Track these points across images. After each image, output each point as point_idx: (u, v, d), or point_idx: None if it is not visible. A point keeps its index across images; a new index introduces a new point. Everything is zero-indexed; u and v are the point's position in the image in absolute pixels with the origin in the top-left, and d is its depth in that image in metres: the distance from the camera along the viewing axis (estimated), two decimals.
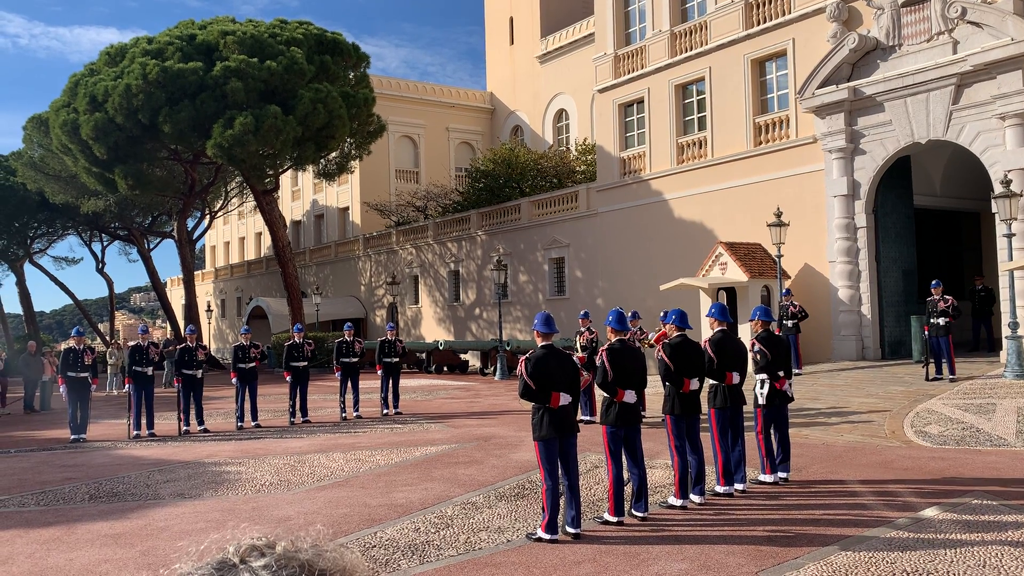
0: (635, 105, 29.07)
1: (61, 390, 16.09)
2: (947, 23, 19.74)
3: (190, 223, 46.04)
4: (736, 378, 9.26)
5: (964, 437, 11.92)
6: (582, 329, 15.89)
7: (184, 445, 14.85)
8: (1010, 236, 16.80)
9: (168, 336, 45.58)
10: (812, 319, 21.29)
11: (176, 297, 57.36)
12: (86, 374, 16.10)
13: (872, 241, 21.76)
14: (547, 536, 7.42)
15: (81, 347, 16.23)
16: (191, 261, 44.52)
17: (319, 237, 50.58)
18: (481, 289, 36.25)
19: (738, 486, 9.12)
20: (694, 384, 8.84)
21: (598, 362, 8.32)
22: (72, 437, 15.86)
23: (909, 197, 22.63)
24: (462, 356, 32.81)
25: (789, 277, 22.57)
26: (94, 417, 17.99)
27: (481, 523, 8.25)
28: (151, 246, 51.77)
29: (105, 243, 54.55)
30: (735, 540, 7.31)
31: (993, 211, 17.95)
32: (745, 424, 9.63)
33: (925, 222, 23.81)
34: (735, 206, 24.92)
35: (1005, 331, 17.15)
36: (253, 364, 17.24)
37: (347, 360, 18.05)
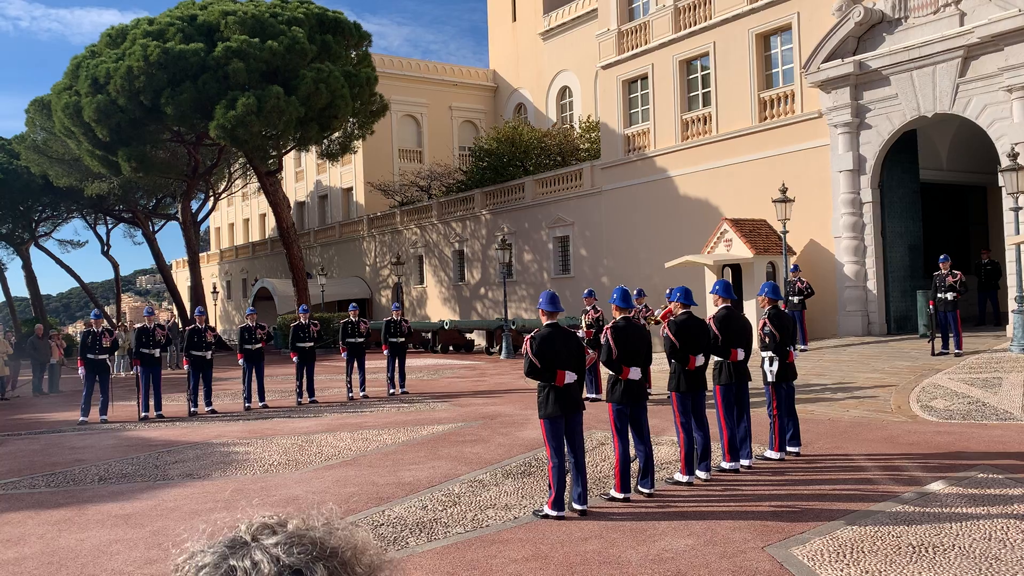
0: (639, 81, 28.89)
1: (80, 372, 16.19)
2: None
3: (194, 205, 46.03)
4: (741, 355, 9.28)
5: (970, 411, 11.94)
6: (587, 308, 15.89)
7: (192, 426, 14.94)
8: (1017, 210, 16.72)
9: (174, 319, 45.73)
10: (818, 295, 21.26)
11: (182, 279, 57.49)
12: (104, 356, 16.24)
13: (878, 216, 21.67)
14: (554, 513, 7.47)
15: (99, 329, 16.37)
16: (196, 243, 44.56)
17: (323, 218, 50.55)
18: (486, 268, 36.24)
19: (744, 462, 9.15)
20: (699, 361, 8.85)
21: (602, 340, 8.33)
22: (80, 419, 15.96)
23: (915, 171, 22.50)
24: (467, 335, 32.88)
25: (794, 253, 22.51)
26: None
27: (488, 501, 8.30)
28: (156, 228, 51.80)
29: (110, 226, 54.59)
30: (741, 516, 7.35)
31: (1000, 185, 17.85)
32: (751, 401, 9.66)
33: (931, 196, 23.68)
34: (740, 182, 24.82)
35: (1012, 305, 17.11)
36: (259, 345, 17.30)
37: (353, 340, 18.10)
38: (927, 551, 6.15)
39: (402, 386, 18.42)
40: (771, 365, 9.61)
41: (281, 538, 1.07)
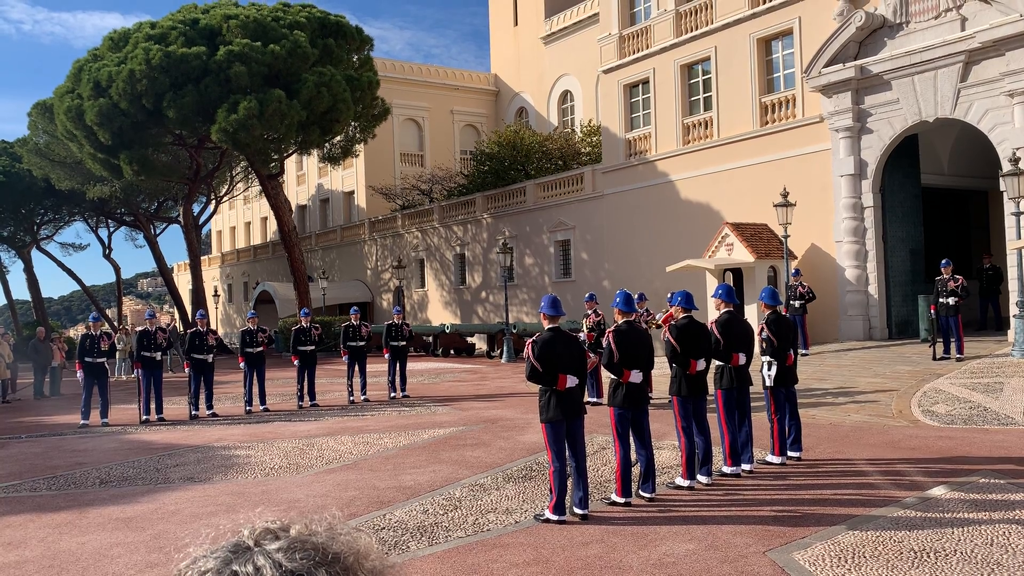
0: (640, 86, 28.91)
1: (78, 375, 16.18)
2: (955, 0, 19.55)
3: (196, 208, 46.05)
4: (742, 359, 9.27)
5: (971, 416, 11.92)
6: (588, 312, 15.87)
7: (193, 429, 14.94)
8: (1018, 214, 16.68)
9: (175, 322, 45.74)
10: (819, 299, 21.24)
11: (183, 282, 57.49)
12: (102, 359, 16.22)
13: (879, 221, 21.67)
14: (555, 517, 7.46)
15: (98, 333, 16.35)
16: (197, 246, 44.59)
17: (324, 221, 50.58)
18: (487, 272, 36.24)
19: (745, 466, 9.14)
20: (700, 365, 8.84)
21: (604, 344, 8.33)
22: (81, 422, 15.96)
23: (916, 176, 22.51)
24: (468, 339, 32.87)
25: (796, 257, 22.51)
26: None
27: (489, 505, 8.29)
28: (157, 231, 51.85)
29: (112, 229, 54.66)
30: (742, 520, 7.34)
31: (1001, 189, 17.84)
32: (752, 405, 9.65)
33: (932, 201, 23.68)
34: (741, 187, 24.83)
35: (1013, 310, 17.09)
36: (260, 348, 17.31)
37: (354, 344, 18.10)
38: (929, 556, 6.14)
39: (403, 390, 18.41)
40: (769, 370, 9.61)
41: (283, 543, 1.07)
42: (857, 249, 21.73)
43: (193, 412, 16.47)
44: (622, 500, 7.97)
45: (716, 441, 9.31)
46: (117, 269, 56.92)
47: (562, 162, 37.67)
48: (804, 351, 19.90)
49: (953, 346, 17.10)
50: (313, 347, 17.82)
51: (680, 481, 8.65)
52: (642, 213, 28.50)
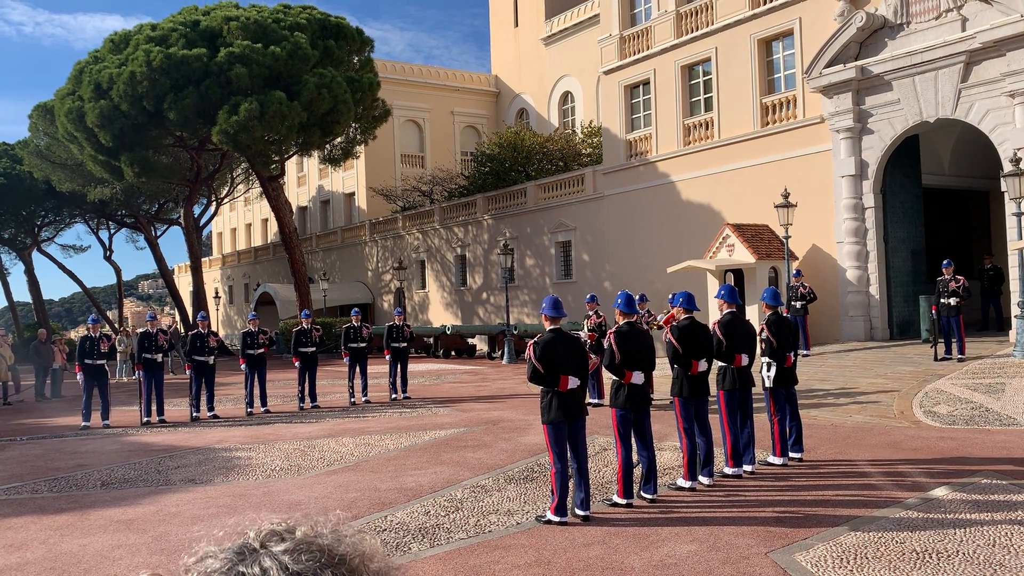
0: (641, 87, 28.92)
1: (78, 377, 16.18)
2: (956, 0, 19.55)
3: (196, 210, 46.09)
4: (745, 360, 9.27)
5: (973, 417, 11.91)
6: (589, 313, 15.86)
7: (194, 431, 14.94)
8: (1019, 215, 16.68)
9: (176, 324, 45.76)
10: (820, 300, 21.24)
11: (184, 284, 57.51)
12: (102, 361, 16.23)
13: (880, 221, 21.66)
14: (556, 519, 7.46)
15: (97, 334, 16.35)
16: (198, 248, 44.62)
17: (325, 223, 50.59)
18: (488, 273, 36.24)
19: (747, 467, 9.14)
20: (702, 366, 8.84)
21: (606, 344, 8.33)
22: (82, 424, 15.97)
23: (917, 176, 22.50)
24: (469, 340, 32.87)
25: (797, 258, 22.50)
26: None
27: (491, 506, 8.29)
28: (158, 233, 51.88)
29: (112, 230, 54.72)
30: (744, 521, 7.33)
31: (1002, 190, 17.84)
32: (754, 406, 9.65)
33: (933, 201, 23.68)
34: (742, 187, 24.82)
35: (1014, 310, 17.09)
36: (262, 350, 17.31)
37: (355, 345, 18.10)
38: (931, 557, 6.13)
39: (404, 391, 18.41)
40: (768, 371, 9.61)
41: (289, 545, 1.07)
42: (858, 250, 21.72)
43: (194, 414, 16.47)
44: (624, 501, 7.97)
45: (717, 442, 9.31)
46: (118, 271, 56.97)
47: (563, 163, 37.67)
48: (805, 352, 19.88)
49: (954, 346, 17.09)
50: (314, 348, 17.83)
51: (682, 482, 8.64)
52: (643, 214, 28.50)
